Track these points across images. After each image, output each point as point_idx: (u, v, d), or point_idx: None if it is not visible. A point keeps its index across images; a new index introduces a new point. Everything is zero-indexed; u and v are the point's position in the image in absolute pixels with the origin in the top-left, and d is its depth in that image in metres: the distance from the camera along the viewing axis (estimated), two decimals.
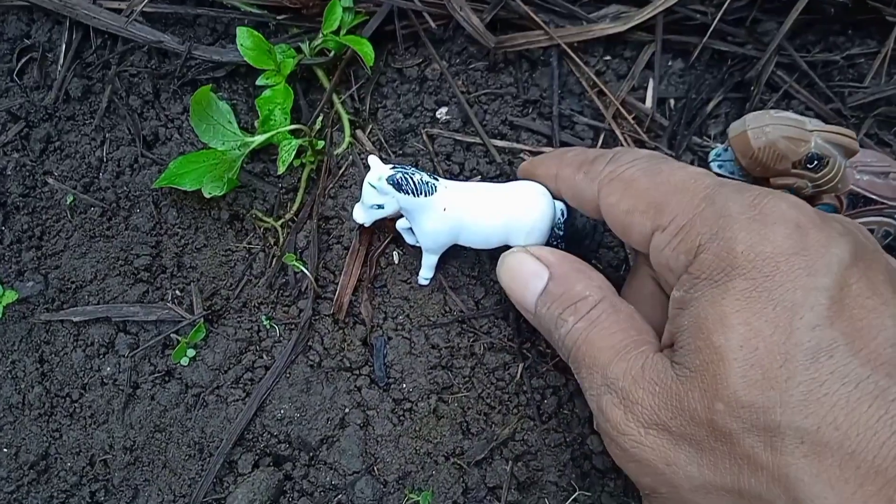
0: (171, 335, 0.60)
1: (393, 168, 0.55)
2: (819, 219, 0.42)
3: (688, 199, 0.44)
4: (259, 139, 0.67)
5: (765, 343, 0.38)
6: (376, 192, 0.55)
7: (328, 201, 0.68)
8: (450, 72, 0.76)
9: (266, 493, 0.56)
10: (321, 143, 0.71)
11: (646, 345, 0.46)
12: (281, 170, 0.65)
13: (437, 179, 0.56)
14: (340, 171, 0.70)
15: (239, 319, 0.62)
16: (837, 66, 0.77)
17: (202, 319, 0.61)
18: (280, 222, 0.67)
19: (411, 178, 0.55)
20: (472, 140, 0.73)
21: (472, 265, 0.66)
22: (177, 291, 0.63)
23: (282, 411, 0.59)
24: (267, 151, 0.70)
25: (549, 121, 0.74)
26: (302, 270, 0.64)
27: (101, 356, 0.60)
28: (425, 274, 0.63)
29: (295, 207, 0.68)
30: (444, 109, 0.76)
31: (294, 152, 0.66)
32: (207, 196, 0.62)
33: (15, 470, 0.58)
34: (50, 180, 0.67)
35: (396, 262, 0.66)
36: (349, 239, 0.66)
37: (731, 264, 0.41)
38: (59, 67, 0.73)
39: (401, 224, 0.62)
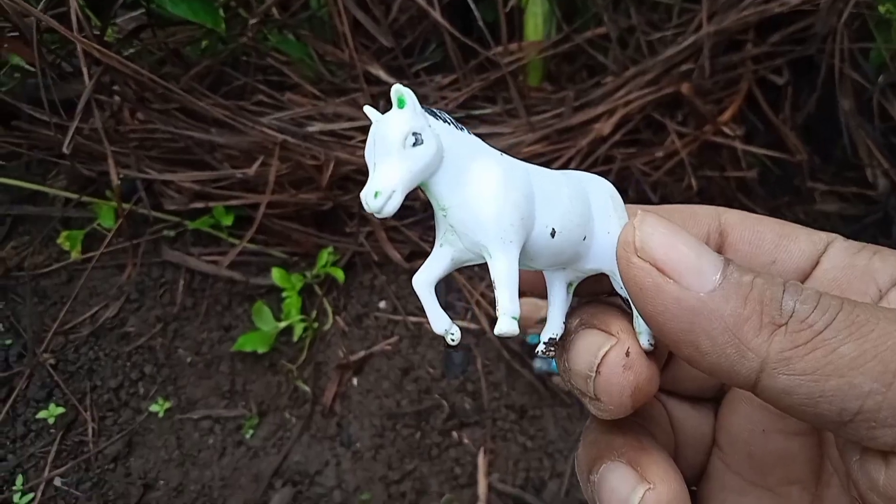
0: (242, 422, 1.21)
1: None
2: None
3: None
4: (284, 324, 1.32)
5: None
6: (405, 112, 0.33)
7: (319, 354, 1.32)
8: (386, 282, 1.43)
9: (287, 499, 1.13)
10: (316, 324, 1.35)
11: None
12: (296, 339, 1.29)
13: None
14: (326, 339, 1.34)
15: (275, 415, 1.23)
16: None
17: (257, 415, 1.22)
18: (295, 365, 1.30)
19: (445, 112, 0.35)
20: (398, 318, 1.38)
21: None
22: (243, 401, 1.24)
23: (296, 458, 1.17)
24: (288, 330, 1.34)
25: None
26: (306, 389, 1.26)
27: (208, 433, 1.20)
28: (510, 306, 0.34)
29: (303, 358, 1.31)
30: (383, 302, 1.42)
31: (302, 329, 1.30)
32: (259, 352, 1.25)
33: (164, 487, 1.15)
34: (180, 350, 1.31)
35: (355, 384, 1.28)
36: (328, 375, 1.28)
37: None
38: (180, 292, 1.39)
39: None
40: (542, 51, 1.61)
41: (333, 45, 1.60)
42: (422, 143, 0.33)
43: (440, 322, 0.37)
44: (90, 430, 1.19)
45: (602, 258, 0.38)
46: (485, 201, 0.34)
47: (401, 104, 0.33)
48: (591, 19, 1.63)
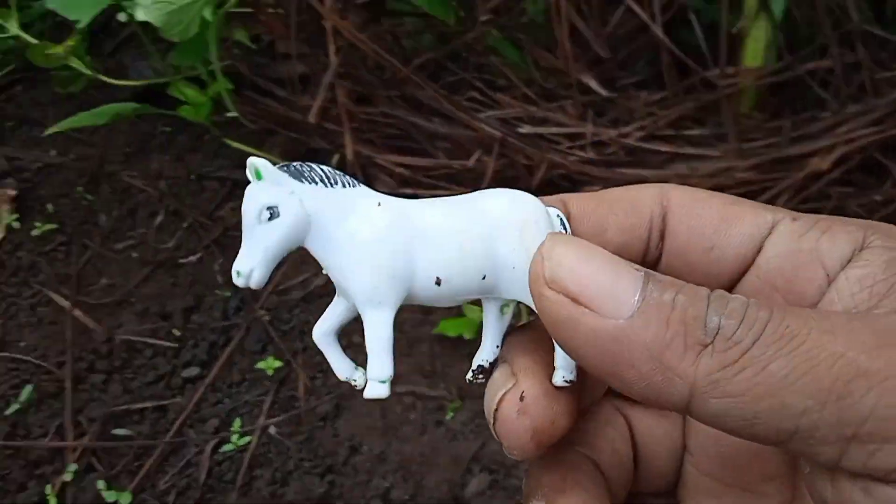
0: (444, 402, 1.24)
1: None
2: None
3: None
4: None
5: None
6: (262, 185, 0.33)
7: None
8: None
9: (484, 486, 1.14)
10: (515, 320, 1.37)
11: None
12: None
13: None
14: None
15: (472, 401, 1.25)
16: None
17: (458, 397, 1.24)
18: None
19: (316, 166, 0.34)
20: None
21: None
22: (443, 383, 1.27)
23: (493, 447, 1.19)
24: None
25: None
26: None
27: (410, 409, 1.23)
28: (377, 371, 0.36)
29: None
30: None
31: None
32: (465, 338, 1.28)
33: (367, 453, 1.19)
34: None
35: None
36: None
37: None
38: None
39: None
40: (760, 77, 1.58)
41: (548, 51, 1.62)
42: (278, 216, 0.33)
43: (342, 371, 0.39)
44: (301, 388, 1.25)
45: (513, 291, 0.36)
46: (349, 266, 0.35)
47: (258, 177, 0.33)
48: (816, 50, 1.58)
